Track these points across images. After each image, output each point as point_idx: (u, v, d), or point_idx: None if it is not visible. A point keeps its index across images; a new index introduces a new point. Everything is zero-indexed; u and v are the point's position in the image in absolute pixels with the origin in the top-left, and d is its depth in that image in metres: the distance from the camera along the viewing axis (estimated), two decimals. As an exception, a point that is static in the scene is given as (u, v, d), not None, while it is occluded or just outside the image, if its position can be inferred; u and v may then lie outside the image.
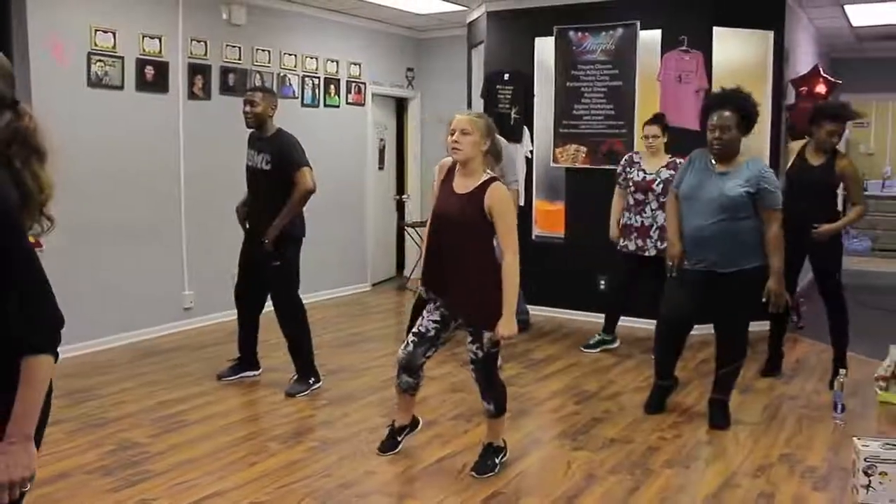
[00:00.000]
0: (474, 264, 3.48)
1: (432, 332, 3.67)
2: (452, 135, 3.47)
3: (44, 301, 1.86)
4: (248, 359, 5.18)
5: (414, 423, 4.00)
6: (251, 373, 5.17)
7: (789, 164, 5.10)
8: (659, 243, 5.58)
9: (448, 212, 3.51)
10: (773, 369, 5.38)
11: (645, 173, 5.70)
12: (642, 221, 5.71)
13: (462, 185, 3.52)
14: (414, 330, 3.71)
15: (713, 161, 4.25)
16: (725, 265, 4.18)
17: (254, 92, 4.84)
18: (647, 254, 5.68)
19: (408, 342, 3.70)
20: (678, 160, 5.74)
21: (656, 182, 5.65)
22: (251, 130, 4.91)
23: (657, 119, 5.80)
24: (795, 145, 5.22)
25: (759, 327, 5.97)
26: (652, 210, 5.66)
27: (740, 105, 4.18)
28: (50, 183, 1.82)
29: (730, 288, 4.20)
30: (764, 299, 4.21)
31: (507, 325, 3.41)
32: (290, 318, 4.90)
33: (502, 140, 4.19)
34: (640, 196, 5.71)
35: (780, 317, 5.35)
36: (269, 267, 4.81)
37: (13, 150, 1.74)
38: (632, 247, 5.75)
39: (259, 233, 4.81)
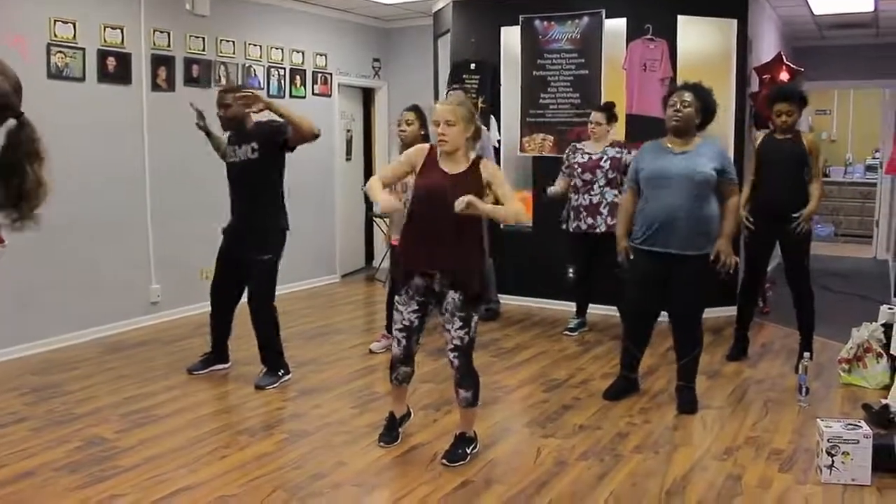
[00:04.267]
0: (468, 236, 3.54)
1: (416, 322, 3.69)
2: (437, 126, 3.50)
3: None
4: (219, 352, 5.15)
5: (408, 413, 4.08)
6: (221, 366, 5.14)
7: (757, 145, 5.17)
8: (609, 219, 5.73)
9: (439, 189, 3.49)
10: (740, 354, 5.45)
11: (590, 155, 5.88)
12: (591, 199, 5.86)
13: (451, 167, 3.56)
14: (398, 327, 3.70)
15: (668, 144, 4.35)
16: (688, 247, 4.23)
17: (225, 93, 4.73)
18: (598, 230, 5.81)
19: (399, 339, 3.71)
20: (621, 141, 5.90)
21: (603, 159, 5.82)
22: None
23: (605, 107, 6.04)
24: (760, 134, 5.30)
25: (725, 312, 6.07)
26: (600, 187, 5.82)
27: (700, 93, 4.31)
28: (49, 186, 2.03)
29: (688, 271, 4.26)
30: (712, 257, 4.27)
31: (467, 199, 3.34)
32: (266, 311, 4.86)
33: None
34: (587, 176, 5.86)
35: (748, 300, 5.43)
36: (255, 259, 4.76)
37: (23, 157, 1.96)
38: (583, 226, 5.89)
39: (244, 230, 4.77)
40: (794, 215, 4.99)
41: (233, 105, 4.66)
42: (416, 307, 3.67)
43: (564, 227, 6.07)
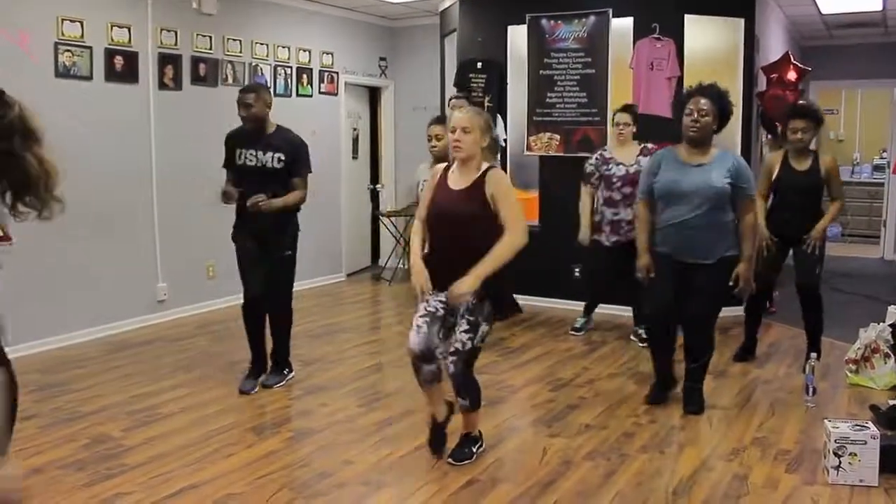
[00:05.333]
0: (479, 252, 3.39)
1: (441, 311, 3.54)
2: (453, 133, 3.45)
3: None
4: (263, 362, 4.93)
5: (451, 407, 3.78)
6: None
7: (775, 174, 5.07)
8: None
9: (445, 209, 3.45)
10: (746, 354, 5.44)
11: (626, 167, 5.70)
12: (634, 213, 5.67)
13: (459, 181, 3.50)
14: (421, 313, 3.54)
15: (684, 155, 4.26)
16: (707, 255, 4.20)
17: (245, 94, 4.67)
18: None
19: (418, 325, 3.51)
20: (649, 145, 5.76)
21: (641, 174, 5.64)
22: (242, 126, 4.75)
23: (628, 108, 5.87)
24: (774, 157, 5.20)
25: (732, 312, 6.05)
26: None
27: (718, 97, 4.21)
28: (55, 164, 1.83)
29: (707, 278, 4.22)
30: (731, 283, 4.25)
31: (464, 283, 3.33)
32: (287, 310, 4.88)
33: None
34: (627, 190, 5.66)
35: (757, 303, 5.40)
36: (279, 256, 4.75)
37: (15, 141, 1.76)
38: (623, 240, 5.65)
39: (267, 229, 4.67)
40: (806, 237, 5.01)
41: (255, 105, 4.61)
42: (445, 297, 3.49)
43: (596, 237, 5.86)
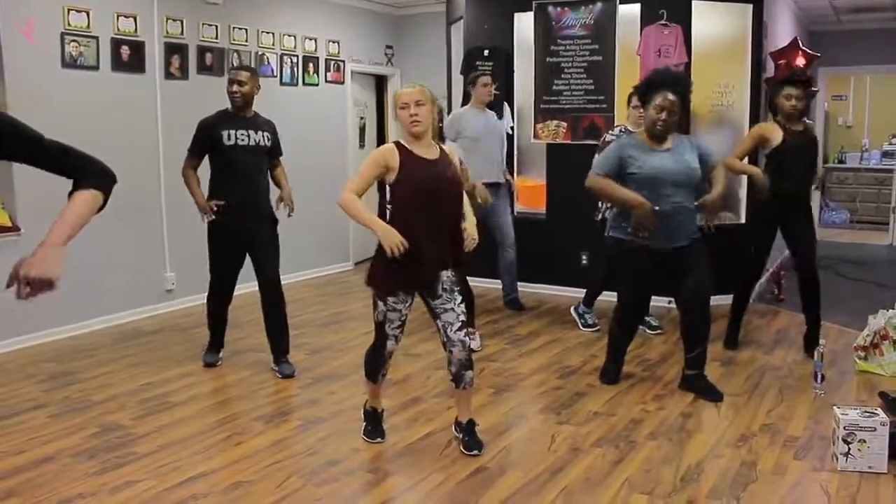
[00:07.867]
0: (460, 216, 3.63)
1: (406, 318, 3.65)
2: (406, 108, 3.43)
3: (88, 160, 2.17)
4: (221, 342, 5.13)
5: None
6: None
7: (776, 142, 4.94)
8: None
9: (440, 178, 3.47)
10: (735, 343, 5.38)
11: None
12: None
13: (429, 154, 3.52)
14: (397, 325, 3.60)
15: (647, 141, 4.29)
16: (689, 236, 4.31)
17: (239, 71, 4.78)
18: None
19: (397, 336, 3.63)
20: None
21: None
22: (221, 112, 4.81)
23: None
24: (768, 126, 5.09)
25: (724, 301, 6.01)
26: None
27: (684, 89, 4.26)
28: None
29: (695, 255, 4.31)
30: (697, 203, 4.35)
31: (473, 228, 3.74)
32: (282, 293, 4.88)
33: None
34: None
35: (747, 291, 5.37)
36: (270, 233, 4.86)
37: None
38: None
39: (254, 206, 4.79)
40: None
41: (247, 83, 4.72)
42: (409, 301, 3.61)
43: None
